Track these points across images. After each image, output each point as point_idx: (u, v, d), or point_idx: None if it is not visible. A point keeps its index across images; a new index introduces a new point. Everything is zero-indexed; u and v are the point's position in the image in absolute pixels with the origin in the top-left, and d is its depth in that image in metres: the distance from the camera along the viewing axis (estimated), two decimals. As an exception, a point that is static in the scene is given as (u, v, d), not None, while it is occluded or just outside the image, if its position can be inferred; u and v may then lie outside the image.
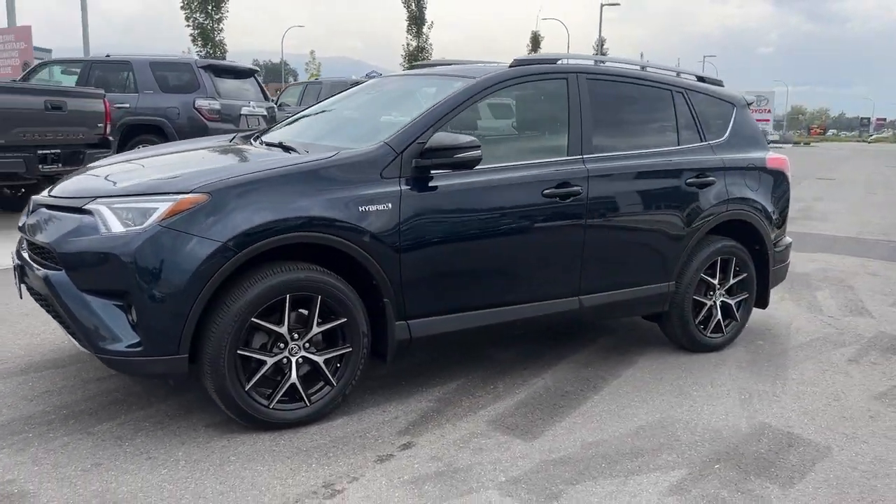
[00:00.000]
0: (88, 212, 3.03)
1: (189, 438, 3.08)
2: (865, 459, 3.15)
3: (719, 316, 4.54)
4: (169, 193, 2.98)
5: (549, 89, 4.02)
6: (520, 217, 3.67)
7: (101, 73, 11.24)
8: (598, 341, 4.70)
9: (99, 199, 3.06)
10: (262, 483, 2.74)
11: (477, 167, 3.54)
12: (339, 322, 3.24)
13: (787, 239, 4.97)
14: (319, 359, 3.22)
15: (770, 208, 4.66)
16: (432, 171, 3.42)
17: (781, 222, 4.81)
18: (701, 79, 4.82)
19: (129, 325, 2.91)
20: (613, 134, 4.16)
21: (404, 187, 3.33)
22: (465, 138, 3.34)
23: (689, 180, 4.25)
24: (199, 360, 2.99)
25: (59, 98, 7.46)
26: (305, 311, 3.18)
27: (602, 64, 4.36)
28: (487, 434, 3.25)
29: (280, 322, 3.11)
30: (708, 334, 4.52)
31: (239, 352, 3.02)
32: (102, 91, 8.63)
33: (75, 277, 2.97)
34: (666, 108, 4.39)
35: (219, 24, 33.04)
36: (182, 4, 32.19)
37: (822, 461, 3.12)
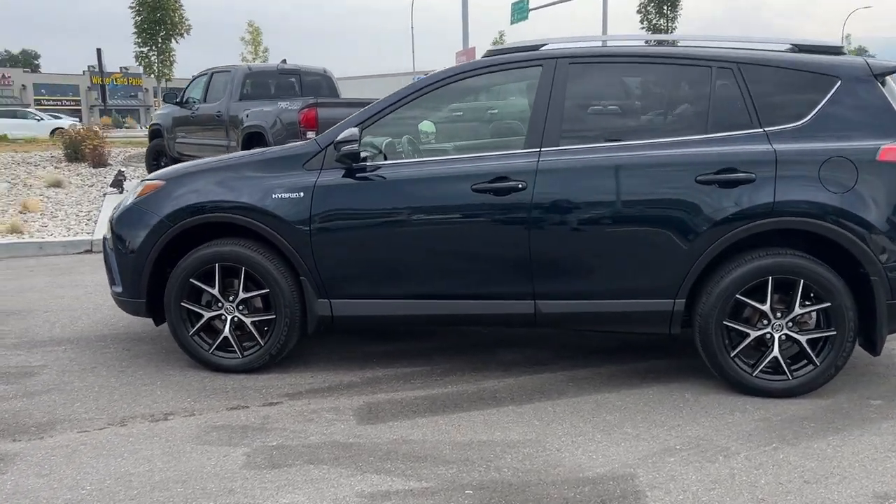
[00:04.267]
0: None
1: (159, 367, 4.04)
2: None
3: (776, 353, 3.53)
4: (146, 180, 4.02)
5: (520, 79, 3.79)
6: (442, 211, 3.64)
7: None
8: (646, 360, 4.11)
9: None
10: (140, 401, 3.55)
11: (411, 161, 3.70)
12: (262, 291, 3.82)
13: (940, 263, 3.47)
14: (248, 321, 3.87)
15: (876, 217, 3.39)
16: (365, 164, 3.71)
17: (913, 239, 3.41)
18: (797, 48, 3.71)
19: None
20: (599, 123, 3.67)
21: (322, 178, 3.71)
22: (347, 133, 3.56)
23: (700, 177, 3.45)
24: (166, 308, 3.98)
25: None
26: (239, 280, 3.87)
27: (606, 45, 3.80)
28: (341, 412, 3.43)
29: (215, 285, 3.86)
30: (756, 374, 3.56)
31: (182, 304, 3.88)
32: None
33: (108, 238, 4.25)
34: (695, 90, 3.59)
35: (672, 24, 33.33)
36: (638, 8, 33.57)
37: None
